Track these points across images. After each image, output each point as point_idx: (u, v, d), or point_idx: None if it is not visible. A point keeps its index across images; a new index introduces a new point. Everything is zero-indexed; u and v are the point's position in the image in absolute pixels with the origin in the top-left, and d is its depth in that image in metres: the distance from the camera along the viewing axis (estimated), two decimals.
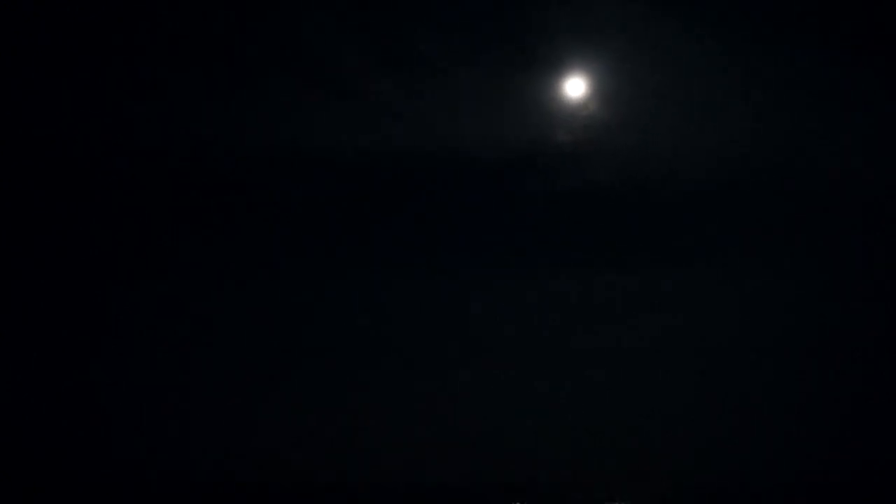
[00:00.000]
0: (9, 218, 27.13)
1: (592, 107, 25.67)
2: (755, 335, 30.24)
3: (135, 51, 28.10)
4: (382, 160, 30.23)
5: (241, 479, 31.32)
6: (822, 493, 27.39)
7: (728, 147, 28.69)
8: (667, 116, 28.62)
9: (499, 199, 31.72)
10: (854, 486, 28.09)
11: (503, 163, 30.06)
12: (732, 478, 29.73)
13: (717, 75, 29.00)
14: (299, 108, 29.76)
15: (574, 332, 30.67)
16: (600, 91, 26.09)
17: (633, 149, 28.29)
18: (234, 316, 30.84)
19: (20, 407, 26.36)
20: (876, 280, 30.36)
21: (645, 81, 28.14)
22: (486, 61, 28.76)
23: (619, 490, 29.47)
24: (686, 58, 28.43)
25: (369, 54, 29.36)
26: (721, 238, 31.13)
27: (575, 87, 25.52)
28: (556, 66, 26.37)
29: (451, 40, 28.67)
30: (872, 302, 30.06)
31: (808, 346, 29.78)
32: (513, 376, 30.12)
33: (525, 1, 28.15)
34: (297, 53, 30.31)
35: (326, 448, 28.71)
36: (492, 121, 28.54)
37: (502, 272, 31.52)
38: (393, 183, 32.03)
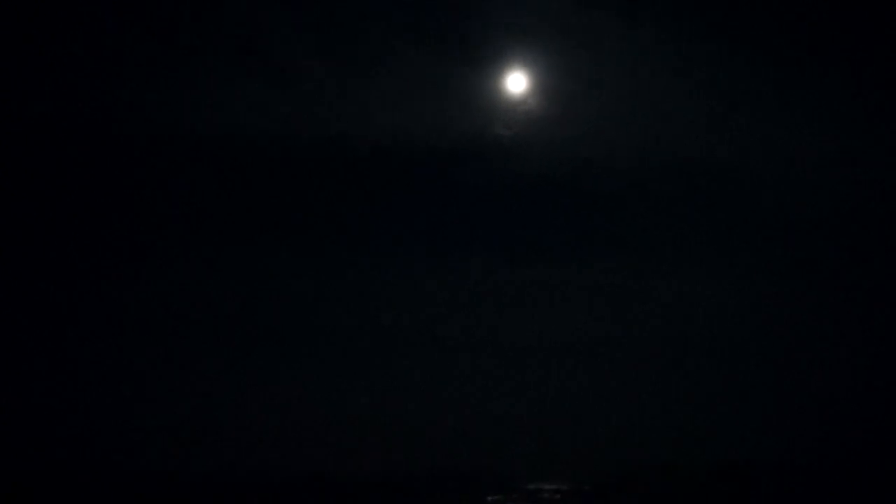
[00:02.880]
0: None
1: (532, 101, 25.77)
2: (691, 323, 30.68)
3: (66, 36, 27.12)
4: (317, 147, 29.78)
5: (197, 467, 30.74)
6: (782, 475, 28.15)
7: (664, 141, 28.97)
8: (604, 111, 28.78)
9: (436, 189, 31.54)
10: (816, 469, 28.85)
11: (441, 154, 29.93)
12: (674, 461, 30.27)
13: (654, 71, 29.15)
14: (232, 94, 29.10)
15: (504, 323, 30.77)
16: (540, 86, 26.20)
17: (571, 142, 28.46)
18: (176, 305, 30.15)
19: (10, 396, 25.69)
20: (817, 262, 30.69)
21: (583, 77, 28.22)
22: (427, 53, 28.52)
23: (561, 473, 29.82)
24: (624, 55, 28.54)
25: (305, 41, 28.85)
26: (656, 230, 31.45)
27: (515, 81, 25.56)
28: (497, 61, 26.35)
29: (391, 29, 28.29)
30: (814, 284, 30.42)
31: (746, 328, 30.25)
32: (450, 365, 30.19)
33: None
34: (233, 38, 29.55)
35: (276, 437, 28.44)
36: (431, 112, 28.40)
37: (437, 262, 31.36)
38: (327, 170, 31.56)
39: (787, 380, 29.57)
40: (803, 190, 29.28)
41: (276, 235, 32.45)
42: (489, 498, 24.23)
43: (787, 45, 28.27)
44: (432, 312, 31.44)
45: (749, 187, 30.54)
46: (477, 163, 31.35)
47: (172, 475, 30.95)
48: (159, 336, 29.89)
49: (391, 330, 31.60)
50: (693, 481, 27.70)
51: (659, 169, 29.78)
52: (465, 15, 27.85)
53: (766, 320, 30.64)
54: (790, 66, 27.92)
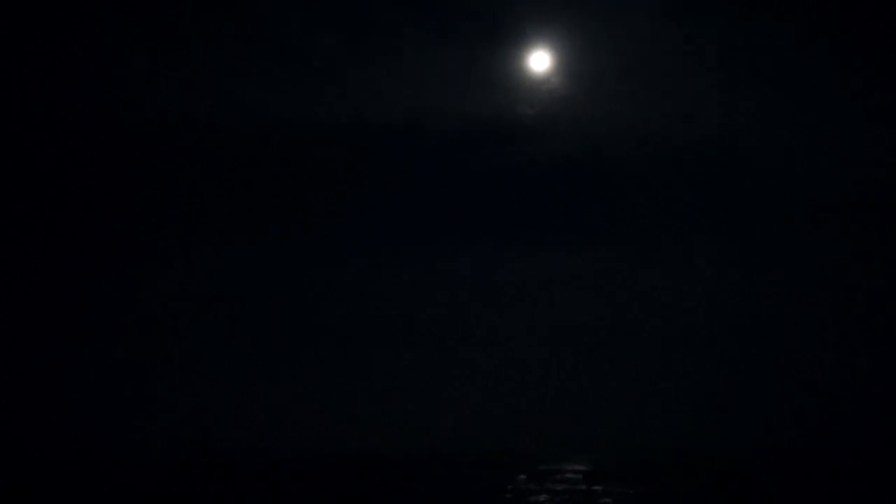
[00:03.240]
0: None
1: (555, 80, 25.55)
2: (712, 311, 31.27)
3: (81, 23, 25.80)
4: (339, 131, 29.18)
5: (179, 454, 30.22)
6: (768, 464, 28.93)
7: (689, 122, 29.14)
8: (629, 91, 28.77)
9: (458, 171, 31.20)
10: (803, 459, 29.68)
11: (464, 135, 29.68)
12: (675, 447, 30.94)
13: (678, 51, 29.21)
14: (254, 78, 28.30)
15: (524, 306, 30.81)
16: (563, 65, 26.05)
17: (594, 122, 28.45)
18: (179, 291, 29.36)
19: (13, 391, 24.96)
20: (836, 263, 31.52)
21: (608, 56, 28.09)
22: (449, 33, 28.00)
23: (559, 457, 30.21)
24: (649, 34, 28.47)
25: (326, 24, 28.05)
26: (680, 212, 31.76)
27: (539, 60, 25.24)
28: (519, 40, 26.02)
29: (412, 10, 27.63)
30: (831, 285, 31.30)
31: (763, 318, 30.98)
32: (459, 351, 30.12)
33: None
34: (252, 23, 28.59)
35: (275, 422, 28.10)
36: (453, 93, 28.01)
37: (459, 247, 31.12)
38: (349, 154, 30.98)
39: (797, 372, 30.33)
40: (825, 182, 29.75)
41: (295, 219, 31.66)
42: (519, 477, 24.53)
43: (818, 37, 28.47)
44: (453, 297, 31.28)
45: (773, 172, 30.97)
46: (501, 143, 31.02)
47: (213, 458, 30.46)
48: (169, 327, 29.13)
49: (412, 314, 31.39)
50: (707, 463, 28.39)
51: (681, 150, 29.92)
52: None
53: (785, 306, 31.31)
54: (820, 58, 28.18)
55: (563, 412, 30.27)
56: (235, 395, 29.35)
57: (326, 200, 32.21)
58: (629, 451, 31.62)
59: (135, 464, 29.28)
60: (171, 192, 31.38)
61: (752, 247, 33.78)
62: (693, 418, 30.26)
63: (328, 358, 31.29)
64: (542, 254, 32.91)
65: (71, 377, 28.57)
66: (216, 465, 29.25)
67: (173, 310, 30.34)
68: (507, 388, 31.01)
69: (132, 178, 30.83)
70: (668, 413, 30.20)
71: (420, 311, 32.00)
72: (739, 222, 33.76)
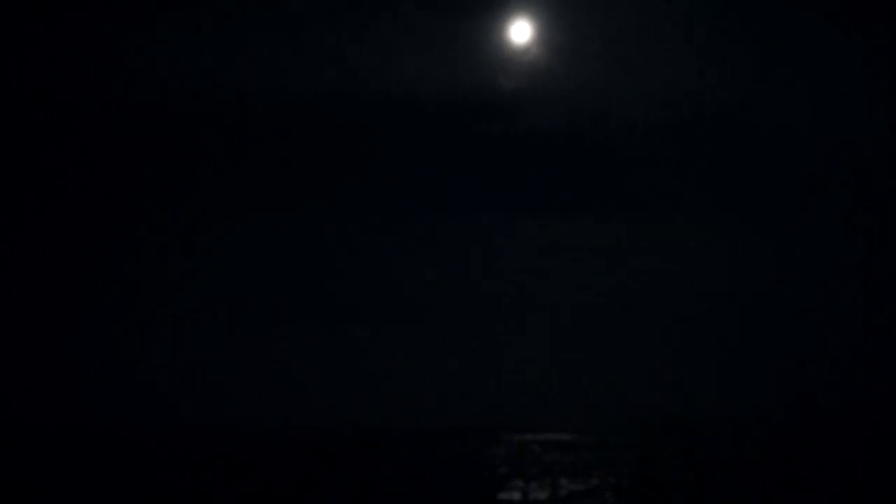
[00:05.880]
0: None
1: (536, 51, 25.29)
2: (701, 278, 30.58)
3: None
4: (319, 103, 29.39)
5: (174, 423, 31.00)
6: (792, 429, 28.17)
7: (671, 91, 28.43)
8: (610, 61, 28.18)
9: (438, 143, 31.18)
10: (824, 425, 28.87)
11: (444, 108, 29.56)
12: (702, 414, 30.25)
13: (661, 20, 28.43)
14: (236, 50, 28.59)
15: (504, 277, 30.65)
16: (544, 36, 25.70)
17: (575, 94, 27.98)
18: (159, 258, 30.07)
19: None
20: (821, 219, 30.33)
21: (589, 26, 27.54)
22: (429, 4, 27.79)
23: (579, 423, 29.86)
24: (630, 3, 27.72)
25: None
26: (661, 182, 31.14)
27: (519, 31, 25.02)
28: (500, 10, 25.76)
29: None
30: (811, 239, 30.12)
31: (747, 286, 30.16)
32: (445, 322, 30.17)
33: None
34: None
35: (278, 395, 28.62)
36: (433, 65, 27.89)
37: (439, 217, 31.18)
38: (330, 126, 31.20)
39: (804, 338, 29.41)
40: (819, 139, 28.67)
41: (267, 192, 32.02)
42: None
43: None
44: (430, 271, 31.44)
45: (760, 141, 30.05)
46: (479, 116, 30.88)
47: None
48: (196, 298, 29.93)
49: (395, 283, 31.70)
50: (693, 434, 28.01)
51: (665, 122, 29.32)
52: None
53: (778, 274, 30.42)
54: (808, 16, 27.03)
55: (564, 385, 30.14)
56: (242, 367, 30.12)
57: (300, 174, 32.34)
58: (619, 421, 31.33)
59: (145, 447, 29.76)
60: (178, 172, 32.06)
61: (745, 220, 32.80)
62: (701, 386, 29.71)
63: (333, 330, 31.83)
64: (517, 223, 32.74)
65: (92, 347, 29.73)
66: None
67: (204, 278, 31.18)
68: (502, 361, 31.09)
69: (149, 146, 31.45)
70: (678, 385, 29.67)
71: (402, 279, 32.26)
72: (735, 192, 32.79)
